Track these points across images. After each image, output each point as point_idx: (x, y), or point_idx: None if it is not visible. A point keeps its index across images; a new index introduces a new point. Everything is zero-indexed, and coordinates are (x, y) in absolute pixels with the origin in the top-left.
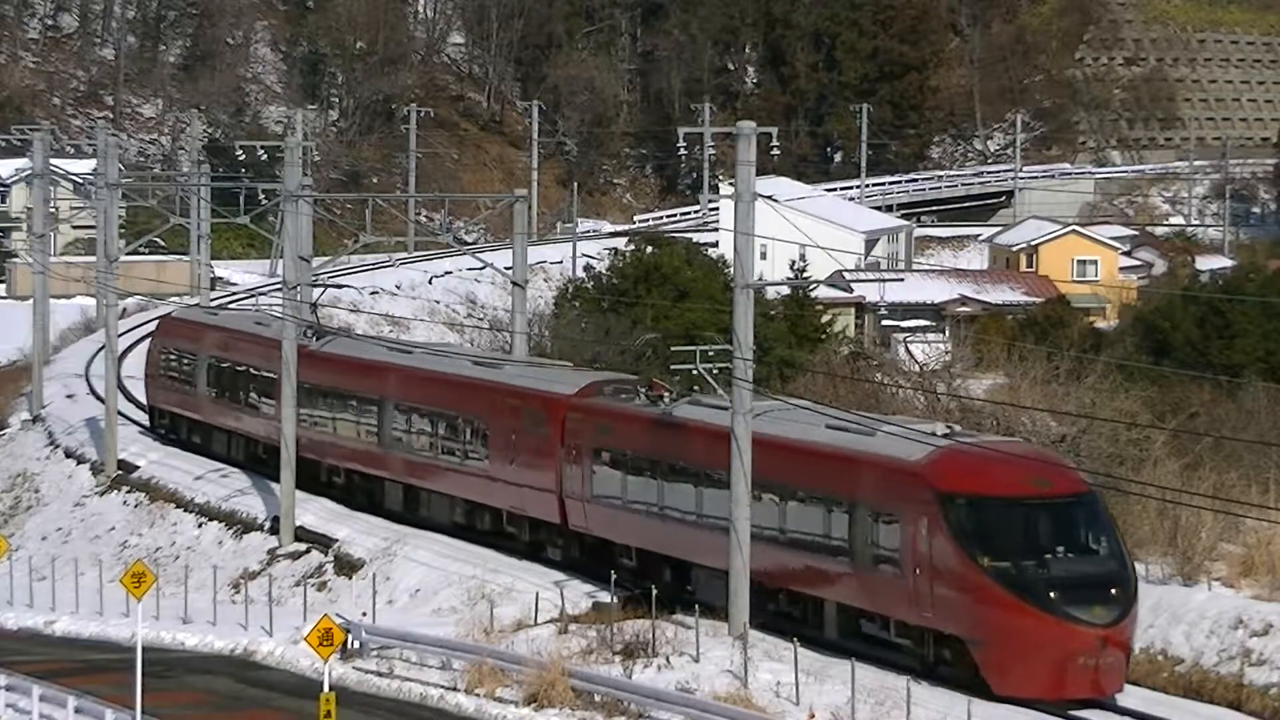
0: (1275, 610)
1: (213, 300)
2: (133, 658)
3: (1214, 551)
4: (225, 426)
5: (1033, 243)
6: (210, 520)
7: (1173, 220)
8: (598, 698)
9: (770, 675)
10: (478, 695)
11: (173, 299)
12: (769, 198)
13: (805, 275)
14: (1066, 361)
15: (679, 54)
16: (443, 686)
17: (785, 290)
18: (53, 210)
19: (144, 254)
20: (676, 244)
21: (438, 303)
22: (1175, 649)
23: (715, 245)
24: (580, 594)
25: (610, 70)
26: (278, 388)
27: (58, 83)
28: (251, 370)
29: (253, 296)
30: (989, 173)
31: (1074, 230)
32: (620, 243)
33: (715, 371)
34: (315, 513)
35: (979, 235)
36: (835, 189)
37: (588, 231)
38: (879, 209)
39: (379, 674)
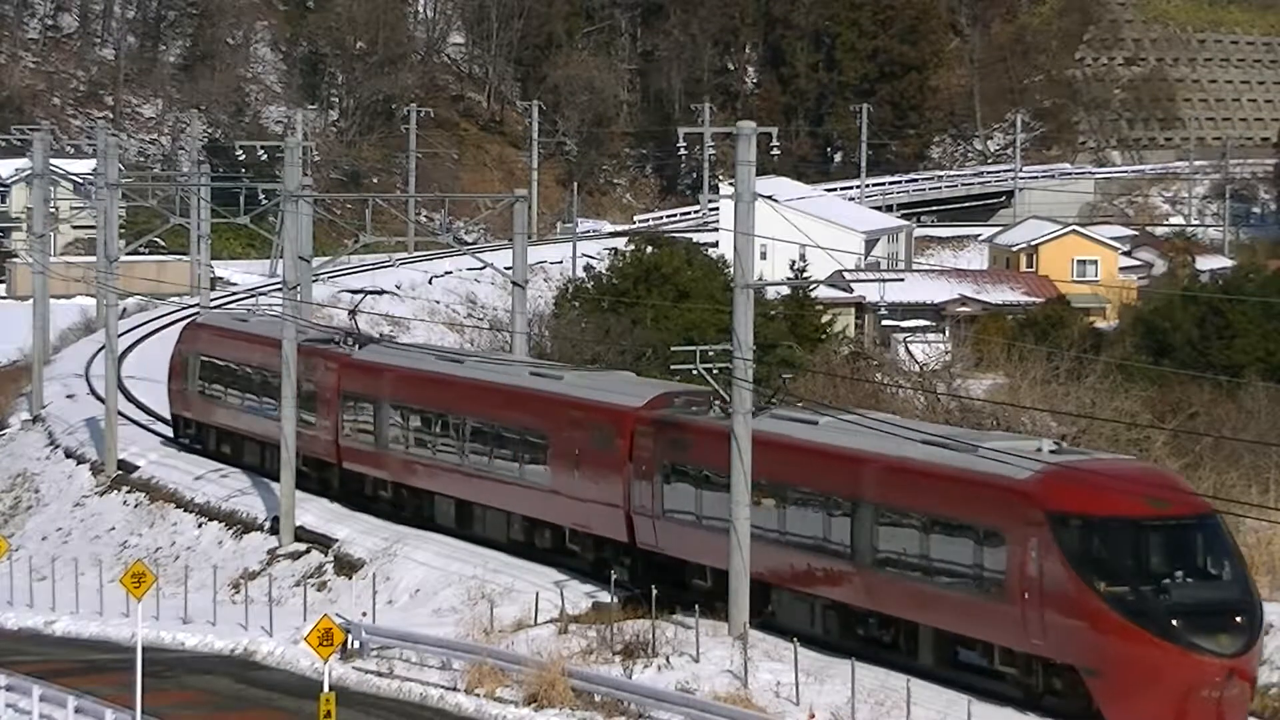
0: (1276, 610)
1: (212, 300)
2: (133, 658)
3: None
4: (259, 437)
5: (1033, 243)
6: (210, 520)
7: (1173, 220)
8: (598, 698)
9: (770, 675)
10: (478, 695)
11: (172, 299)
12: (769, 198)
13: (805, 275)
14: (1066, 361)
15: (679, 54)
16: (443, 686)
17: (785, 290)
18: (53, 210)
19: (144, 254)
20: (676, 244)
21: (438, 303)
22: None
23: (715, 245)
24: (580, 594)
25: (610, 70)
26: (319, 398)
27: (58, 83)
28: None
29: (253, 296)
30: (989, 173)
31: (1074, 230)
32: (620, 243)
33: (715, 371)
34: (315, 513)
35: (979, 235)
36: (835, 189)
37: (588, 231)
38: (879, 209)
39: (379, 674)
